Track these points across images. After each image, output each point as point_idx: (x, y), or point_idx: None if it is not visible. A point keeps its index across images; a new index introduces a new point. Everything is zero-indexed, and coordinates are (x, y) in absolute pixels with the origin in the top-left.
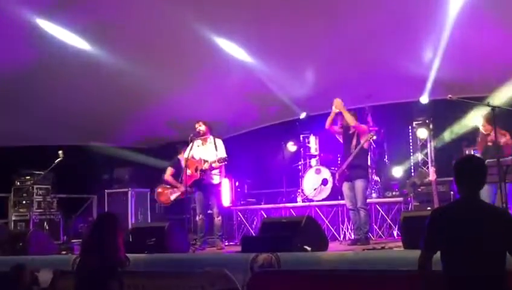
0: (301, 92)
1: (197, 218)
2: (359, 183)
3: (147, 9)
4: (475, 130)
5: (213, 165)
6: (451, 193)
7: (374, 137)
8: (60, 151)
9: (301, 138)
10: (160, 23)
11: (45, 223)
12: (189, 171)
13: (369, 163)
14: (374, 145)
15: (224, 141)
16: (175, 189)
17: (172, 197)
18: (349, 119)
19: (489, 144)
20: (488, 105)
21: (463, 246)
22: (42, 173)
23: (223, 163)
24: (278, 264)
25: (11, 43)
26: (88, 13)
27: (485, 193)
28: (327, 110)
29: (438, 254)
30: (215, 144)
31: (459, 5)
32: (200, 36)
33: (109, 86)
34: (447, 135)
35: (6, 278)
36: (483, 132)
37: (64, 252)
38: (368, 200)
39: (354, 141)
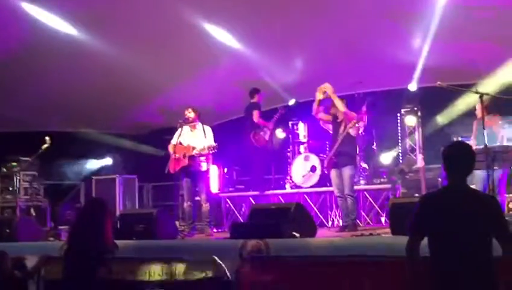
0: (290, 79)
1: (185, 205)
2: (346, 171)
3: None
4: (463, 118)
5: (202, 152)
6: (439, 180)
7: (359, 124)
8: (47, 138)
9: (290, 125)
10: (150, 10)
11: (32, 210)
12: (177, 156)
13: (357, 151)
14: (363, 133)
15: (213, 128)
16: None
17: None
18: (339, 104)
19: (487, 128)
20: (477, 92)
21: (450, 232)
22: (29, 159)
23: (213, 151)
24: (267, 250)
25: None
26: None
27: (477, 179)
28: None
29: (425, 240)
30: (204, 131)
31: None
32: (189, 22)
33: (97, 72)
34: (436, 122)
35: None
36: (479, 117)
37: (51, 239)
38: (356, 187)
39: (342, 128)
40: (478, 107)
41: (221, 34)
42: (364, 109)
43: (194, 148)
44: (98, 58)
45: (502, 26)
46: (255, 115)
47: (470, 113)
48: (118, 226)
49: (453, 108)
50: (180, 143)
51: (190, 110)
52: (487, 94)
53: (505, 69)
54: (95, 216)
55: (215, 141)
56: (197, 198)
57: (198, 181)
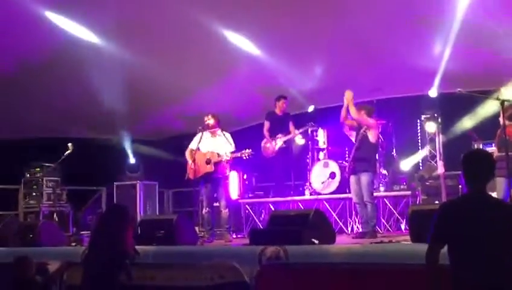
0: (310, 85)
1: (204, 211)
2: (364, 177)
3: (158, 4)
4: (484, 124)
5: (224, 158)
6: (460, 186)
7: (369, 130)
8: (70, 144)
9: (309, 131)
10: (170, 18)
11: (55, 215)
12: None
13: (377, 157)
14: (382, 139)
15: (232, 134)
16: None
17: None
18: (353, 112)
19: (507, 137)
20: (498, 99)
21: (470, 240)
22: (52, 165)
23: (235, 155)
24: (286, 257)
25: (21, 36)
26: (100, 8)
27: (499, 186)
28: (335, 103)
29: (446, 249)
30: (225, 137)
31: None
32: (209, 29)
33: (119, 79)
34: (457, 129)
35: (9, 268)
36: (502, 124)
37: (74, 244)
38: (376, 194)
39: (360, 135)
40: (500, 114)
41: (240, 41)
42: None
43: (218, 154)
44: (119, 65)
45: None
46: (264, 127)
47: (492, 120)
48: (139, 231)
49: (475, 114)
50: (199, 149)
51: (210, 116)
52: (508, 101)
53: None
54: (115, 223)
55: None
56: (216, 204)
57: (218, 187)
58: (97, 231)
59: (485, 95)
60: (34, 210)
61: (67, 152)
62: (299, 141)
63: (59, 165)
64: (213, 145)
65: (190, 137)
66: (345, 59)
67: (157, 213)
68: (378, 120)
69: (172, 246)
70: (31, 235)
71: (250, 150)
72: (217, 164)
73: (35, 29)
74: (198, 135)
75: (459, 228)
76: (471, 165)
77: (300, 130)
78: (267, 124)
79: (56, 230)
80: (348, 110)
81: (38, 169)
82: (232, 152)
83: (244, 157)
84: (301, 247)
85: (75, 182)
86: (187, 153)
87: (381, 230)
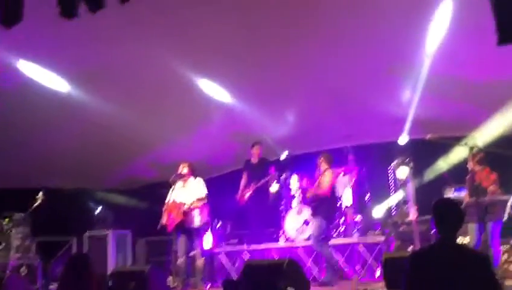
0: (283, 132)
1: (179, 261)
2: (314, 221)
3: (129, 52)
4: (457, 169)
5: (192, 206)
6: (432, 232)
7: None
8: (40, 193)
9: (282, 178)
10: (142, 65)
11: (23, 267)
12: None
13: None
14: (352, 185)
15: (206, 181)
16: None
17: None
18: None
19: (476, 183)
20: (466, 145)
21: (441, 289)
22: (22, 215)
23: (203, 202)
24: None
25: None
26: (70, 56)
27: (471, 231)
28: (308, 149)
29: None
30: (196, 183)
31: (436, 43)
32: (183, 77)
33: (90, 128)
34: (428, 174)
35: None
36: (470, 170)
37: None
38: (350, 240)
39: None
40: (470, 159)
41: (213, 89)
42: (351, 158)
43: (185, 204)
44: (90, 114)
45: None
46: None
47: (463, 165)
48: (110, 283)
49: (446, 159)
50: (174, 201)
51: (185, 165)
52: (477, 147)
53: (492, 124)
54: (77, 272)
55: (208, 196)
56: (191, 254)
57: (193, 237)
58: (61, 283)
59: (455, 140)
60: (2, 262)
61: (37, 202)
62: (274, 188)
63: (29, 216)
64: (183, 194)
65: (163, 185)
66: (316, 107)
67: (130, 263)
68: (352, 167)
69: None
70: None
71: (204, 195)
72: (186, 213)
73: (5, 78)
74: (173, 186)
75: (430, 277)
76: (440, 215)
77: (262, 181)
78: (244, 175)
79: (23, 284)
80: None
81: (8, 220)
82: (200, 199)
83: (199, 204)
84: None
85: (45, 232)
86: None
87: (357, 277)
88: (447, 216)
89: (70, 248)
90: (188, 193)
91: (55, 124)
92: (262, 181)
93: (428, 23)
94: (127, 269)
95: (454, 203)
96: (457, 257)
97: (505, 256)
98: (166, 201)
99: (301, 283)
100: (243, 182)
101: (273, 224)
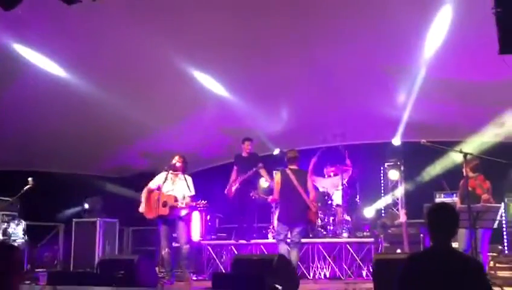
0: (275, 128)
1: (163, 252)
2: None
3: (125, 41)
4: (446, 174)
5: (182, 204)
6: (421, 235)
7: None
8: (30, 178)
9: (274, 174)
10: (138, 55)
11: None
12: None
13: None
14: (346, 185)
15: (197, 174)
16: None
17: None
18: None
19: (470, 189)
20: (460, 152)
21: None
22: (9, 199)
23: (191, 201)
24: None
25: None
26: (67, 42)
27: (461, 237)
28: (300, 146)
29: None
30: (186, 181)
31: (433, 49)
32: (178, 68)
33: (83, 114)
34: (419, 178)
35: None
36: (465, 175)
37: (27, 282)
38: (339, 240)
39: None
40: (464, 166)
41: (208, 81)
42: (347, 156)
43: (175, 199)
44: (83, 99)
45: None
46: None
47: (453, 170)
48: (98, 271)
49: (437, 164)
50: (160, 189)
51: (180, 159)
52: (471, 154)
53: (487, 131)
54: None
55: (198, 189)
56: (176, 244)
57: (175, 227)
58: None
59: (448, 146)
60: None
61: (27, 187)
62: (264, 184)
63: (17, 200)
64: (172, 188)
65: (153, 175)
66: (311, 104)
67: (116, 251)
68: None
69: (132, 287)
70: None
71: (206, 201)
72: (172, 207)
73: None
74: (163, 175)
75: (423, 283)
76: (435, 221)
77: (249, 173)
78: (235, 168)
79: None
80: None
81: None
82: (189, 198)
83: (199, 208)
84: None
85: (33, 218)
86: (145, 190)
87: (342, 276)
88: (444, 221)
89: (57, 234)
90: (177, 188)
91: (48, 109)
92: (249, 173)
93: (427, 28)
94: (115, 257)
95: (451, 207)
96: (452, 262)
97: (491, 263)
98: (148, 187)
99: (291, 279)
100: (233, 176)
101: (263, 219)
